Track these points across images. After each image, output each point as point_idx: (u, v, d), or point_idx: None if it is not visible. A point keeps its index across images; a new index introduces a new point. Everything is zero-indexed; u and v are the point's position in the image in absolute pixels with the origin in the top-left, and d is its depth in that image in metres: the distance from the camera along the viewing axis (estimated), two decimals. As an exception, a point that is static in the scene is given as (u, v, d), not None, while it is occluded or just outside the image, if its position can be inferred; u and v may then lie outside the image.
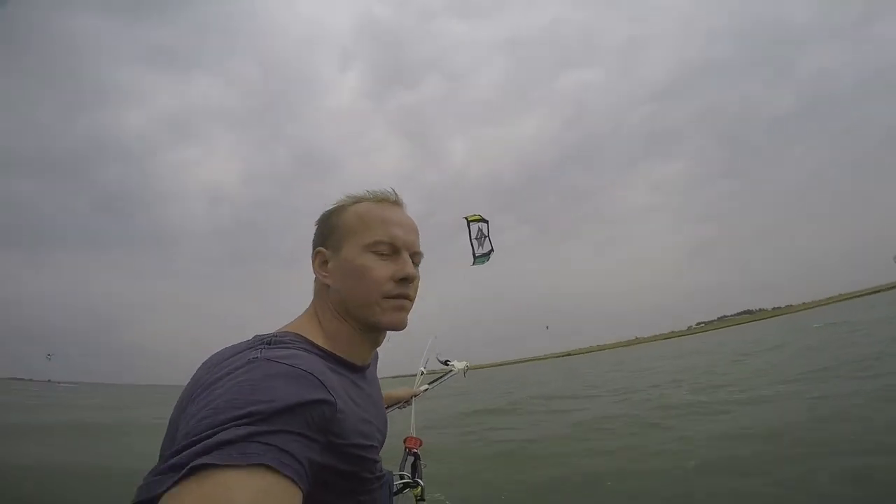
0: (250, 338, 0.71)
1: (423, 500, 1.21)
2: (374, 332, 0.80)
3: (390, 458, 1.00)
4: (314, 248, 0.81)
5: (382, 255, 0.77)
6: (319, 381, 0.59)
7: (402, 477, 1.21)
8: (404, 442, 1.35)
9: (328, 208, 0.83)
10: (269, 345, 0.66)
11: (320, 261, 0.80)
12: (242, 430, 0.50)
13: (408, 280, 0.77)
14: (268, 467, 0.49)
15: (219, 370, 0.60)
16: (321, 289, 0.80)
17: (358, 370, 0.79)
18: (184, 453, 0.48)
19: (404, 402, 1.56)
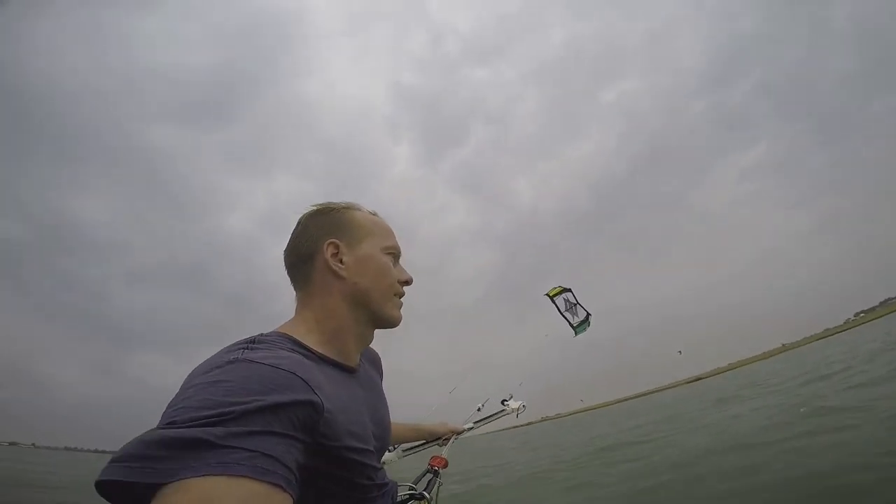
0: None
1: None
2: (374, 327, 0.85)
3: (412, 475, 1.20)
4: (319, 238, 0.81)
5: (392, 260, 0.87)
6: (303, 380, 0.57)
7: (410, 488, 1.10)
8: (430, 460, 1.32)
9: (321, 205, 0.86)
10: (252, 344, 0.65)
11: (333, 251, 0.81)
12: (219, 431, 0.53)
13: (409, 284, 0.89)
14: (252, 476, 0.51)
15: (195, 373, 0.58)
16: (329, 282, 0.80)
17: (348, 371, 0.80)
18: (154, 447, 0.52)
19: (443, 439, 1.48)
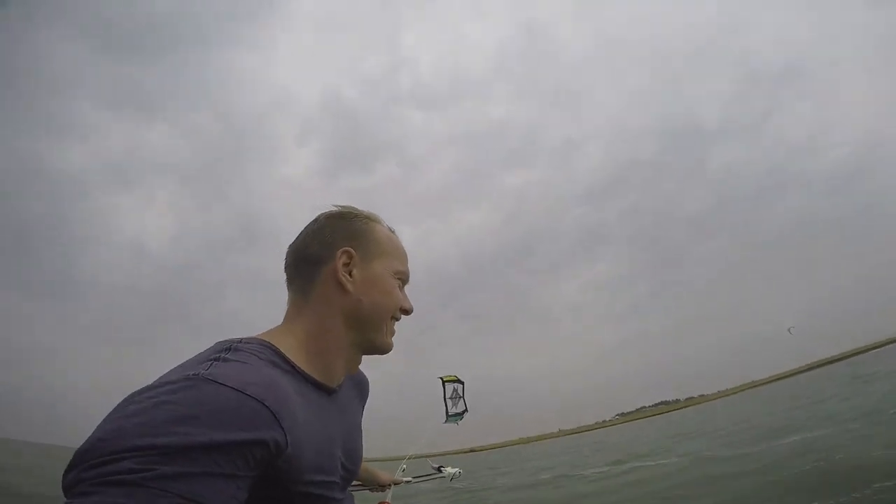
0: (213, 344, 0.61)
1: None
2: (364, 352, 0.78)
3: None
4: (334, 243, 0.74)
5: (400, 286, 0.80)
6: (273, 413, 0.51)
7: None
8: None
9: (344, 209, 0.80)
10: (227, 353, 0.56)
11: (345, 261, 0.73)
12: (152, 471, 0.45)
13: (408, 314, 0.81)
14: None
15: (148, 386, 0.50)
16: (332, 293, 0.73)
17: (329, 392, 0.72)
18: (73, 480, 0.45)
19: (380, 486, 1.51)
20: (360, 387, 0.91)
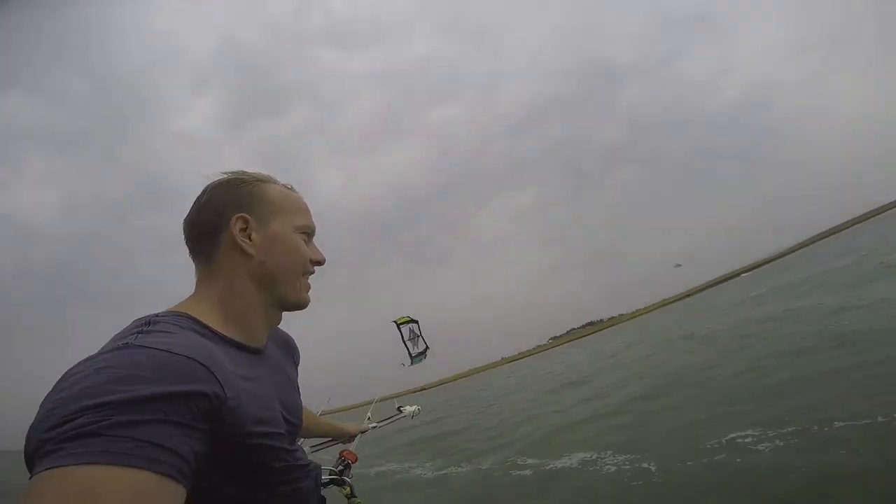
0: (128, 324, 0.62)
1: (356, 496, 1.23)
2: (281, 309, 0.80)
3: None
4: (226, 212, 0.74)
5: (305, 239, 0.81)
6: (203, 366, 0.54)
7: (331, 472, 1.23)
8: (340, 453, 1.38)
9: (231, 175, 0.79)
10: (147, 326, 0.59)
11: (241, 227, 0.74)
12: (105, 421, 0.44)
13: (321, 264, 0.84)
14: (141, 466, 0.43)
15: (80, 362, 0.52)
16: (234, 259, 0.74)
17: (254, 352, 0.75)
18: (34, 446, 0.44)
19: (351, 437, 1.55)
20: (286, 346, 0.93)
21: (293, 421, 0.80)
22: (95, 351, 0.56)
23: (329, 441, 1.54)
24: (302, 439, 1.31)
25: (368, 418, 1.79)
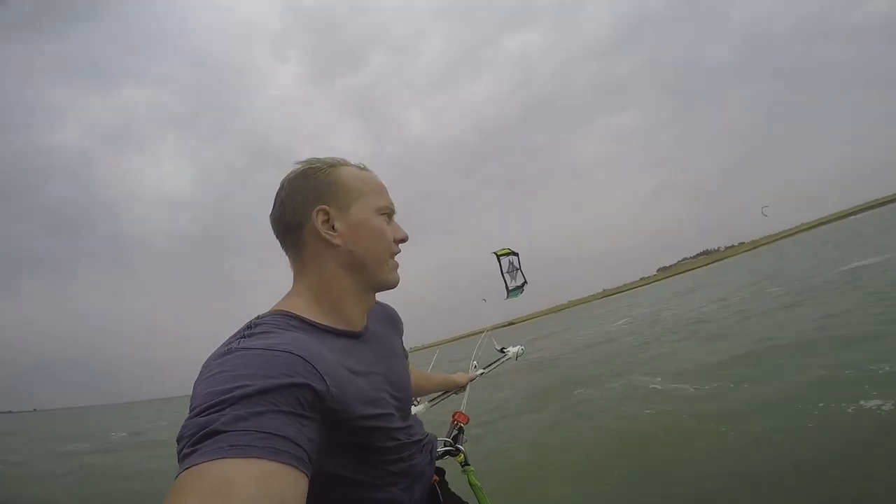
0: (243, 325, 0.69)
1: (469, 464, 1.21)
2: (374, 291, 0.83)
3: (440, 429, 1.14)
4: (306, 206, 0.76)
5: (387, 220, 0.82)
6: (304, 359, 0.58)
7: (445, 444, 1.21)
8: (453, 416, 1.36)
9: (305, 165, 0.79)
10: (249, 330, 0.65)
11: (323, 219, 0.76)
12: (226, 416, 0.48)
13: (405, 241, 0.85)
14: (264, 457, 0.46)
15: (201, 370, 0.59)
16: (322, 250, 0.76)
17: (355, 336, 0.78)
18: (181, 453, 0.48)
19: (460, 388, 1.58)
20: (389, 319, 0.97)
21: (400, 396, 0.82)
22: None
23: (443, 394, 1.56)
24: (417, 401, 1.43)
25: (475, 365, 1.81)
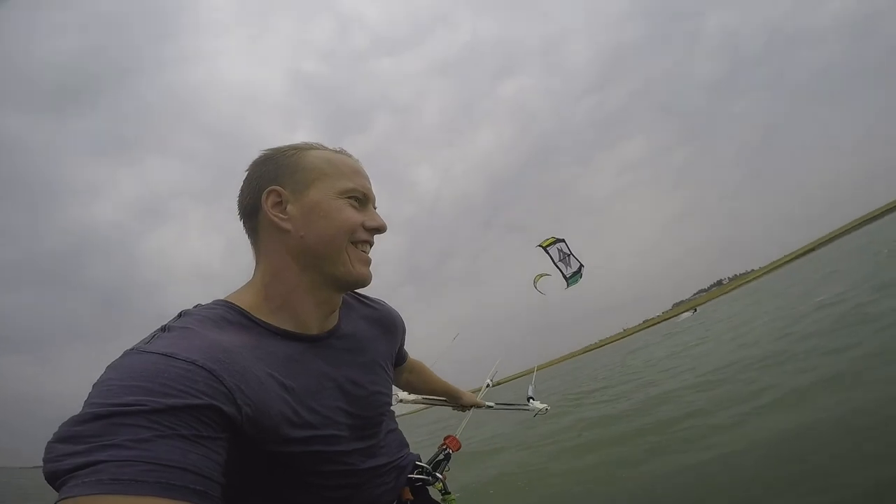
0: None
1: (448, 493, 1.05)
2: (336, 288, 0.71)
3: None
4: (260, 187, 0.68)
5: (354, 204, 0.71)
6: (211, 373, 0.49)
7: (421, 470, 0.95)
8: (444, 439, 1.18)
9: (271, 150, 0.72)
10: (173, 321, 0.57)
11: (274, 201, 0.67)
12: (110, 440, 0.40)
13: (379, 231, 0.73)
14: (152, 493, 0.39)
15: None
16: (274, 237, 0.68)
17: (309, 339, 0.68)
18: (50, 466, 0.41)
19: (463, 407, 1.44)
20: (381, 322, 0.85)
21: (359, 413, 0.71)
22: None
23: (441, 400, 1.41)
24: (399, 400, 1.30)
25: (488, 385, 1.70)
